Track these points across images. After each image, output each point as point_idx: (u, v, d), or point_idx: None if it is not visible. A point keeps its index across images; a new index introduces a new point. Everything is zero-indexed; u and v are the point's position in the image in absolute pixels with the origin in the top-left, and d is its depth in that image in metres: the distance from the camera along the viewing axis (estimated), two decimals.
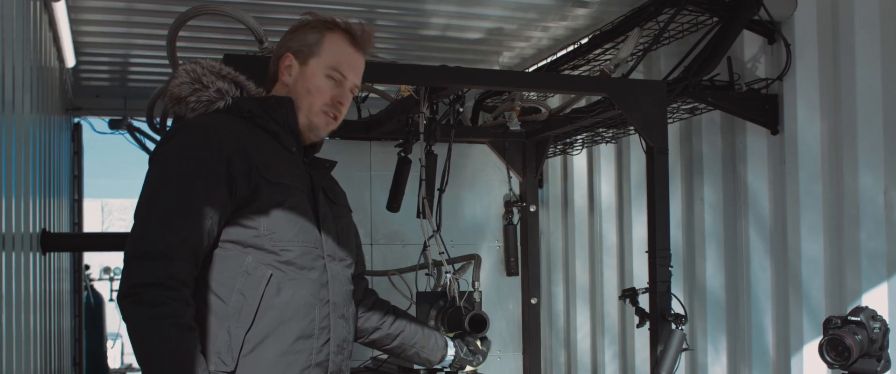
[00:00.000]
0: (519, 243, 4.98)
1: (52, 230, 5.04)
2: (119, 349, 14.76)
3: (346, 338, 2.65)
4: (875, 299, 3.64)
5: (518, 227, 5.00)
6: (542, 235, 5.98)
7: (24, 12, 3.79)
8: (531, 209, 5.01)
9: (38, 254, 4.41)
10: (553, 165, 6.20)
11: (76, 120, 7.72)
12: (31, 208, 4.03)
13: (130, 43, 5.82)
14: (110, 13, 5.22)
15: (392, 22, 5.43)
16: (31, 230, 4.07)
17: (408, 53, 5.97)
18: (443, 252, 3.94)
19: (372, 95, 5.14)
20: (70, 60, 5.69)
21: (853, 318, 2.92)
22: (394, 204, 4.43)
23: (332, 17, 2.67)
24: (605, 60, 4.78)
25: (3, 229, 3.14)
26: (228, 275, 2.45)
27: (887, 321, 2.95)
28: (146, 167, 2.51)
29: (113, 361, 13.62)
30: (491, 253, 5.00)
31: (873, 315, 2.95)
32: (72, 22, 5.19)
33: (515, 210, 4.99)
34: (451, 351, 3.23)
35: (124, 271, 2.36)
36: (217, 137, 2.45)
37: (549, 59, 5.62)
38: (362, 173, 4.84)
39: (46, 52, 4.94)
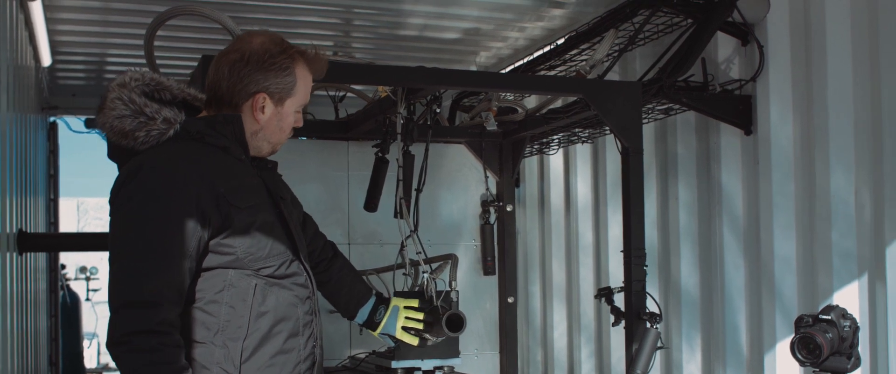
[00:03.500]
0: (496, 243, 5.00)
1: (28, 230, 5.02)
2: (95, 348, 14.68)
3: (321, 329, 2.79)
4: (846, 297, 3.69)
5: (495, 226, 5.02)
6: (519, 234, 6.00)
7: None
8: (508, 209, 5.03)
9: (14, 254, 4.39)
10: (530, 164, 6.22)
11: (52, 119, 7.68)
12: (7, 207, 4.01)
13: (106, 42, 5.80)
14: (86, 12, 5.21)
15: (369, 22, 5.44)
16: (7, 230, 4.05)
17: (385, 54, 5.98)
18: (420, 252, 3.96)
19: (349, 95, 5.15)
20: (46, 59, 5.66)
21: (824, 316, 2.96)
22: (371, 204, 4.45)
23: (297, 50, 2.65)
24: (581, 61, 4.81)
25: None
26: (213, 291, 2.51)
27: (857, 320, 3.00)
28: None
29: (89, 360, 13.54)
30: (468, 253, 5.02)
31: (844, 314, 2.99)
32: (48, 21, 5.16)
33: (492, 210, 5.01)
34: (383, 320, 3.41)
35: (112, 320, 2.39)
36: (182, 175, 2.45)
37: (525, 60, 5.64)
38: (339, 173, 4.86)
39: (22, 50, 4.92)
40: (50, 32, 5.36)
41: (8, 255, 4.12)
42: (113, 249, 2.43)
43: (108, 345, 2.37)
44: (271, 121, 2.65)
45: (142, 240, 2.40)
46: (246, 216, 2.53)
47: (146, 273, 2.38)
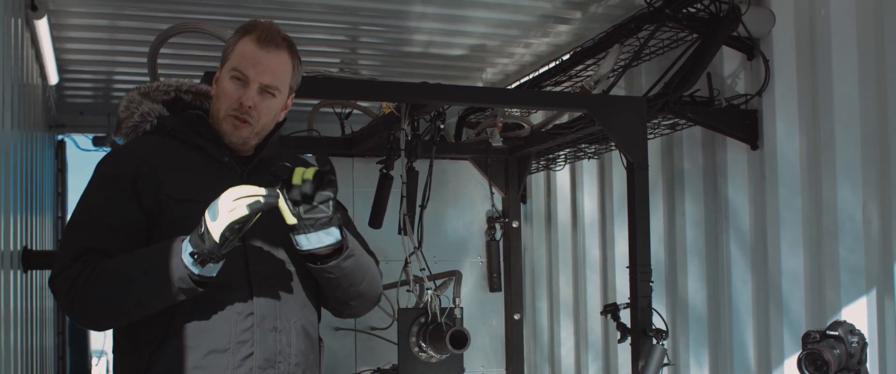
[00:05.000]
0: (502, 259, 4.98)
1: (34, 248, 5.01)
2: (104, 366, 14.67)
3: (280, 352, 2.55)
4: (854, 313, 3.65)
5: (501, 243, 5.00)
6: (526, 250, 5.97)
7: (4, 29, 3.79)
8: (513, 225, 5.02)
9: (18, 272, 4.38)
10: (536, 180, 6.19)
11: (60, 137, 7.69)
12: (11, 225, 4.00)
13: (114, 60, 5.82)
14: (94, 31, 5.21)
15: (375, 39, 5.44)
16: (11, 248, 4.04)
17: (391, 70, 5.97)
18: (424, 269, 3.94)
19: (355, 112, 5.15)
20: (53, 78, 5.67)
21: (831, 332, 2.94)
22: (375, 221, 4.44)
23: (249, 22, 2.66)
24: (587, 76, 4.79)
25: None
26: None
27: (865, 336, 2.97)
28: None
29: None
30: (474, 269, 5.01)
31: (851, 329, 2.97)
32: (55, 39, 5.17)
33: (498, 226, 5.00)
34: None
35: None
36: (126, 156, 2.59)
37: (531, 76, 5.63)
38: (344, 190, 4.80)
39: (29, 69, 4.92)
40: (57, 51, 5.37)
41: (11, 273, 4.11)
42: None
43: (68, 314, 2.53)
44: (215, 93, 2.66)
45: (76, 213, 2.56)
46: (184, 210, 2.48)
47: (71, 241, 2.52)
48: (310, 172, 2.37)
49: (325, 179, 2.39)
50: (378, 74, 5.94)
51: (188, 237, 2.35)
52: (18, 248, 4.42)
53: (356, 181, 4.85)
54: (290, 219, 2.39)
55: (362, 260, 2.66)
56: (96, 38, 5.35)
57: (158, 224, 2.51)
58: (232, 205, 2.29)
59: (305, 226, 2.42)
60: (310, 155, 2.48)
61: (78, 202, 2.60)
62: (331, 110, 5.46)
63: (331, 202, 2.41)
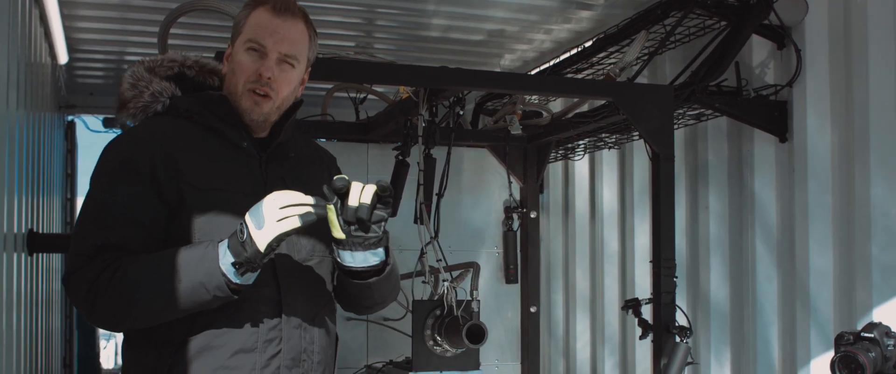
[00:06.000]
0: (519, 250, 4.86)
1: (41, 230, 4.91)
2: (112, 349, 14.64)
3: (304, 349, 2.43)
4: (887, 313, 3.53)
5: (518, 233, 4.89)
6: (542, 241, 5.86)
7: (10, 5, 3.67)
8: (531, 215, 4.90)
9: (23, 255, 4.28)
10: (554, 170, 6.09)
11: (70, 118, 7.59)
12: (15, 208, 3.90)
13: (125, 40, 5.70)
14: (104, 9, 5.10)
15: (392, 22, 5.31)
16: (15, 231, 3.94)
17: (408, 55, 5.85)
18: (440, 259, 3.82)
19: (370, 97, 5.03)
20: (62, 57, 5.56)
21: (866, 334, 2.82)
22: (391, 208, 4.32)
23: None
24: (610, 64, 4.67)
25: None
26: None
27: None
28: None
29: (107, 361, 13.48)
30: (490, 260, 4.89)
31: (887, 331, 2.85)
32: (65, 18, 5.06)
33: (515, 216, 4.88)
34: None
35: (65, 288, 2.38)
36: (141, 141, 2.40)
37: (551, 63, 5.50)
38: (359, 176, 4.70)
39: (37, 47, 4.81)
40: (67, 29, 5.26)
41: (16, 255, 4.01)
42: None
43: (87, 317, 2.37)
44: (229, 67, 2.52)
45: (90, 206, 2.37)
46: (206, 200, 2.36)
47: (85, 237, 2.34)
48: (368, 194, 2.24)
49: (381, 200, 2.28)
50: (394, 59, 5.81)
51: (226, 243, 2.22)
52: (24, 231, 4.32)
53: (371, 168, 4.73)
54: (339, 233, 2.28)
55: (397, 273, 2.58)
56: (107, 16, 5.23)
57: (179, 216, 2.35)
58: (280, 214, 2.17)
59: (353, 244, 2.32)
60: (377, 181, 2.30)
61: (89, 193, 2.41)
62: (345, 95, 5.34)
63: (383, 224, 2.31)
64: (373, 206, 2.25)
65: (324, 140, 4.87)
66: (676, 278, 3.76)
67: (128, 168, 2.36)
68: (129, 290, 2.26)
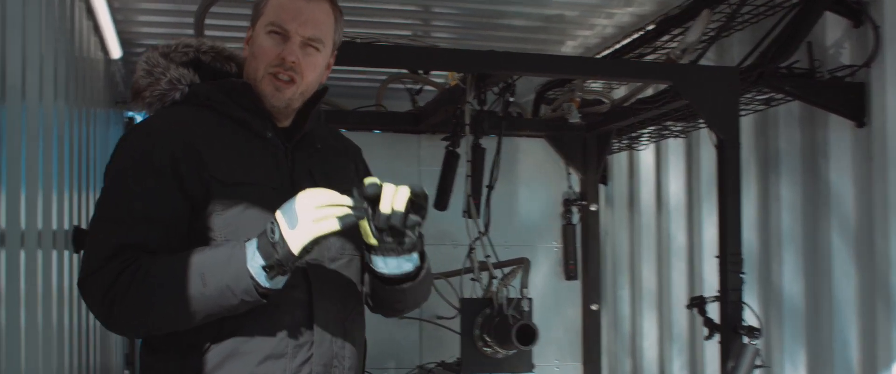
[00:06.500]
0: (578, 245, 4.67)
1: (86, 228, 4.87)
2: None
3: (336, 355, 2.29)
4: None
5: (578, 227, 4.69)
6: (607, 236, 5.66)
7: None
8: (592, 208, 4.72)
9: (70, 252, 4.23)
10: (619, 160, 5.86)
11: (129, 114, 7.58)
12: (62, 204, 3.84)
13: (181, 33, 5.62)
14: (156, 1, 5.03)
15: (448, 9, 5.14)
16: (62, 227, 3.89)
17: (466, 43, 5.68)
18: (488, 255, 3.64)
19: (426, 87, 4.88)
20: (115, 52, 5.50)
21: None
22: (441, 202, 4.17)
23: None
24: (672, 47, 4.43)
25: (24, 226, 2.94)
26: None
27: None
28: None
29: None
30: (548, 255, 4.73)
31: None
32: (116, 11, 5.00)
33: (575, 209, 4.69)
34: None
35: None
36: (160, 133, 2.25)
37: (613, 48, 5.28)
38: (410, 169, 4.59)
39: (85, 42, 4.75)
40: (119, 24, 5.20)
41: (65, 253, 3.96)
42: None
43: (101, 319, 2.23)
44: (249, 51, 2.36)
45: (106, 204, 2.23)
46: (233, 195, 2.21)
47: (102, 237, 2.19)
48: (401, 199, 2.09)
49: (415, 205, 2.13)
50: (451, 47, 5.67)
51: (255, 243, 2.07)
52: (70, 227, 4.27)
53: (422, 159, 4.59)
54: (372, 240, 2.15)
55: (430, 276, 2.42)
56: (160, 8, 5.16)
57: (203, 212, 2.21)
58: (317, 214, 2.03)
59: (386, 250, 2.18)
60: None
61: (104, 190, 2.27)
62: (401, 86, 5.21)
63: (418, 229, 2.17)
64: (407, 212, 2.10)
65: (378, 131, 4.75)
66: (744, 274, 3.54)
67: (146, 162, 2.21)
68: (148, 294, 2.12)
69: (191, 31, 5.43)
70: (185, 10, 5.10)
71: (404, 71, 4.89)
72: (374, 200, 2.07)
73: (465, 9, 5.13)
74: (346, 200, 2.05)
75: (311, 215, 2.02)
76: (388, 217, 2.07)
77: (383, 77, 5.15)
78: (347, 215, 2.03)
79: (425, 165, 4.57)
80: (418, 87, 5.04)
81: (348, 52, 2.47)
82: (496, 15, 5.19)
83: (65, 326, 3.98)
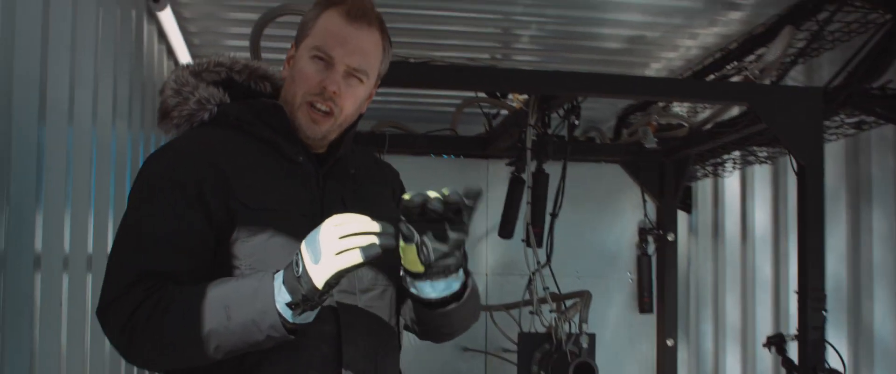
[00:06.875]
0: (653, 277, 4.44)
1: None
2: None
3: None
4: None
5: (654, 258, 4.47)
6: (691, 266, 5.41)
7: (120, 22, 3.58)
8: (669, 238, 4.50)
9: None
10: (703, 188, 5.64)
11: None
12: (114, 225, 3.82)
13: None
14: (229, 24, 4.99)
15: (529, 32, 4.98)
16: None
17: (547, 66, 5.51)
18: (547, 287, 3.45)
19: (502, 111, 4.74)
20: None
21: None
22: (506, 229, 4.02)
23: None
24: (752, 65, 4.20)
25: (67, 249, 2.89)
26: None
27: None
28: None
29: None
30: (622, 287, 4.54)
31: None
32: (189, 34, 4.99)
33: (651, 239, 4.47)
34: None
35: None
36: (186, 155, 2.11)
37: (697, 69, 5.06)
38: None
39: (158, 65, 4.74)
40: (193, 47, 5.19)
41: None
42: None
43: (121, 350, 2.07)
44: (290, 72, 2.22)
45: (128, 229, 2.09)
46: (258, 221, 2.08)
47: (123, 264, 2.05)
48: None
49: (454, 223, 2.00)
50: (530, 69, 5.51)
51: (281, 276, 1.94)
52: None
53: (491, 185, 4.44)
54: (418, 267, 2.05)
55: (476, 295, 2.27)
56: (234, 32, 5.13)
57: (228, 239, 2.09)
58: (339, 245, 1.87)
59: (435, 274, 2.07)
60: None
61: (127, 214, 2.15)
62: (478, 110, 5.06)
63: (463, 246, 2.04)
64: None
65: (447, 157, 4.64)
66: (826, 311, 3.28)
67: (170, 186, 2.09)
68: (169, 328, 1.99)
69: (267, 55, 5.42)
70: (266, 33, 5.05)
71: (482, 94, 4.76)
72: (422, 214, 1.95)
73: (549, 32, 4.96)
74: (374, 226, 1.89)
75: (334, 247, 1.87)
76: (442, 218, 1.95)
77: (458, 101, 5.02)
78: (372, 246, 1.87)
79: (493, 190, 4.43)
80: (494, 111, 4.90)
81: (421, 74, 2.32)
82: (576, 36, 5.01)
83: (106, 350, 3.94)
